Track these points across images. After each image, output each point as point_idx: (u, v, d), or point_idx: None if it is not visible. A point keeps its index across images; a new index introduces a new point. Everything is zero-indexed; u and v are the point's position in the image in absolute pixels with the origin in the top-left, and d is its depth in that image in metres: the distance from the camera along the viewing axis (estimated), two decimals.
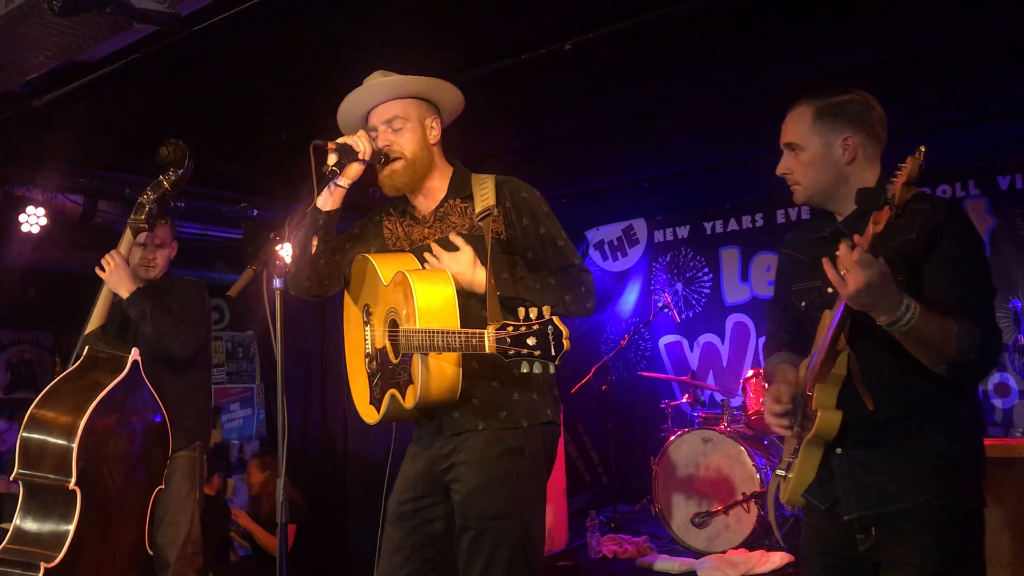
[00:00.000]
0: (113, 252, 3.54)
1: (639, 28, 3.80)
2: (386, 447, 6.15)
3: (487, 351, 2.03)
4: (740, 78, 4.72)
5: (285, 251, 2.47)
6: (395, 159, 2.58)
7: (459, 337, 2.14)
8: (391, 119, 2.60)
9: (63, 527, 3.03)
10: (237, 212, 5.78)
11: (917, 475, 2.06)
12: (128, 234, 3.52)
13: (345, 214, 2.55)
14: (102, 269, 3.54)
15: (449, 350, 2.21)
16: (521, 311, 2.03)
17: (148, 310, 3.56)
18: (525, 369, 2.01)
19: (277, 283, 2.26)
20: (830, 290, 2.09)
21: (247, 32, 3.73)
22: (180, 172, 3.39)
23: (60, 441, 3.06)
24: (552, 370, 2.02)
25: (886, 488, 2.08)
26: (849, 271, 1.88)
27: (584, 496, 7.36)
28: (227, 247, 6.10)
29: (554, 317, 2.00)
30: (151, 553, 3.42)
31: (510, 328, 1.98)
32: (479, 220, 2.51)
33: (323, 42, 3.92)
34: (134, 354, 3.32)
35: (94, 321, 3.51)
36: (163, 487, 3.47)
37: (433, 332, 2.23)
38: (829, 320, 2.10)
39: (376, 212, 2.84)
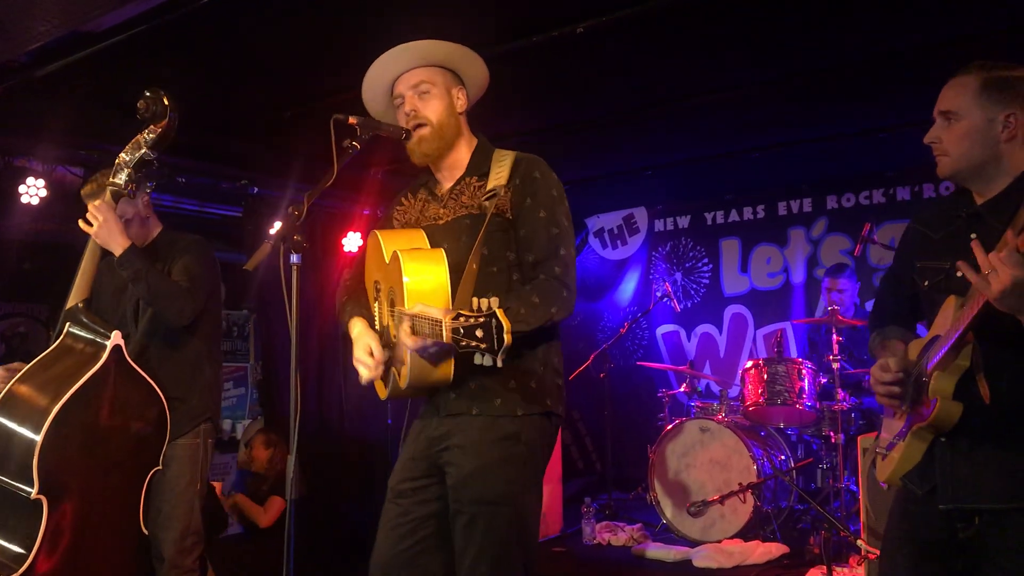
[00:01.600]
0: (100, 204, 3.13)
1: (647, 14, 3.79)
2: (382, 426, 6.19)
3: (444, 340, 1.99)
4: (746, 67, 4.70)
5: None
6: (422, 125, 2.55)
7: (426, 322, 2.10)
8: (418, 84, 2.57)
9: (27, 539, 2.81)
10: (237, 189, 5.73)
11: (1003, 475, 2.01)
12: (108, 198, 3.15)
13: (344, 194, 2.52)
14: (89, 224, 3.15)
15: (423, 334, 2.15)
16: (475, 301, 1.98)
17: (143, 269, 3.18)
18: (478, 361, 1.97)
19: (295, 258, 2.23)
20: (959, 274, 2.00)
21: (255, 6, 3.70)
22: (161, 129, 2.99)
23: (25, 441, 2.81)
24: (498, 364, 1.95)
25: (992, 484, 2.03)
26: (996, 270, 1.79)
27: (578, 483, 7.36)
28: (225, 224, 6.06)
29: (498, 310, 1.94)
30: (146, 533, 3.18)
31: (462, 319, 1.94)
32: (484, 200, 2.49)
33: (330, 20, 3.88)
34: (115, 338, 3.04)
35: (76, 293, 3.17)
36: (160, 468, 3.21)
37: (410, 315, 2.19)
38: (954, 307, 2.06)
39: (399, 193, 2.81)
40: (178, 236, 3.55)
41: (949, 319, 2.08)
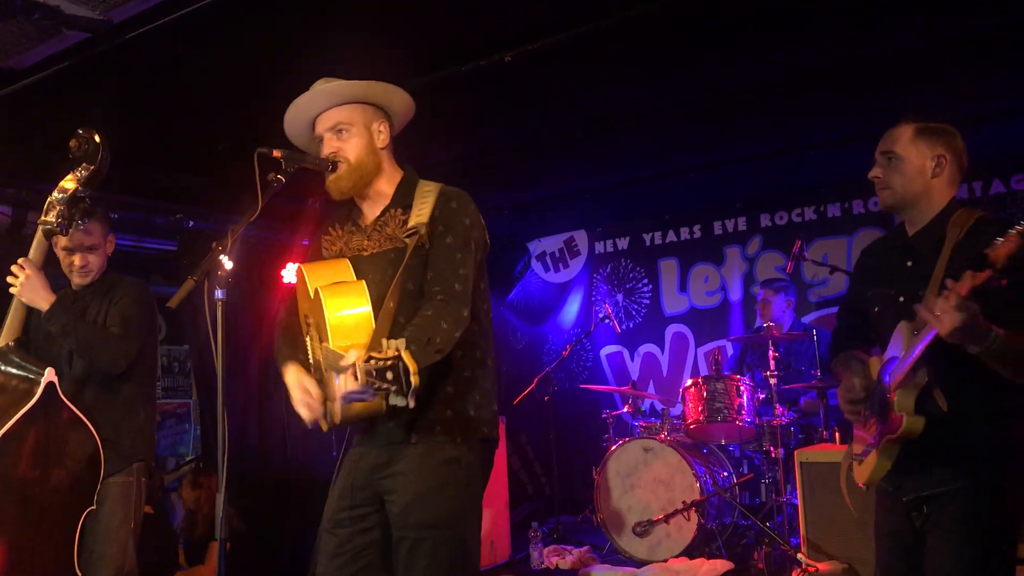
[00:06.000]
0: (23, 260, 3.13)
1: (577, 40, 3.84)
2: (327, 456, 6.12)
3: (359, 383, 2.00)
4: (675, 89, 4.79)
5: (226, 262, 2.42)
6: (339, 164, 2.56)
7: (339, 363, 2.12)
8: (335, 125, 2.59)
9: None
10: (172, 223, 5.68)
11: (960, 462, 2.37)
12: (40, 237, 3.13)
13: (282, 225, 2.52)
14: (14, 277, 3.14)
15: (343, 375, 2.15)
16: (384, 342, 2.02)
17: (71, 325, 3.19)
18: (392, 401, 2.00)
19: (219, 294, 2.22)
20: (901, 299, 2.49)
21: (183, 40, 3.68)
22: (93, 168, 3.01)
23: None
24: (410, 405, 1.98)
25: (936, 474, 2.39)
26: (945, 312, 2.14)
27: (527, 507, 7.36)
28: (163, 259, 5.98)
29: (404, 352, 1.97)
30: (80, 575, 3.11)
31: (372, 362, 1.97)
32: (405, 236, 2.52)
33: (261, 51, 3.88)
34: (48, 375, 3.01)
35: (7, 333, 3.14)
36: (94, 508, 3.17)
37: (330, 353, 2.21)
38: (907, 332, 2.41)
39: (326, 223, 2.82)
40: (119, 279, 3.55)
41: (903, 342, 2.42)
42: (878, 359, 2.57)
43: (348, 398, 2.19)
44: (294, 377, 2.52)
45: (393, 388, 1.95)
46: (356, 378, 2.00)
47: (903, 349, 2.41)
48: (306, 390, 2.46)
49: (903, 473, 2.47)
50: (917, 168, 2.52)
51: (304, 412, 2.46)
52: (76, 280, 3.48)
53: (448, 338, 2.35)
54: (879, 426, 2.49)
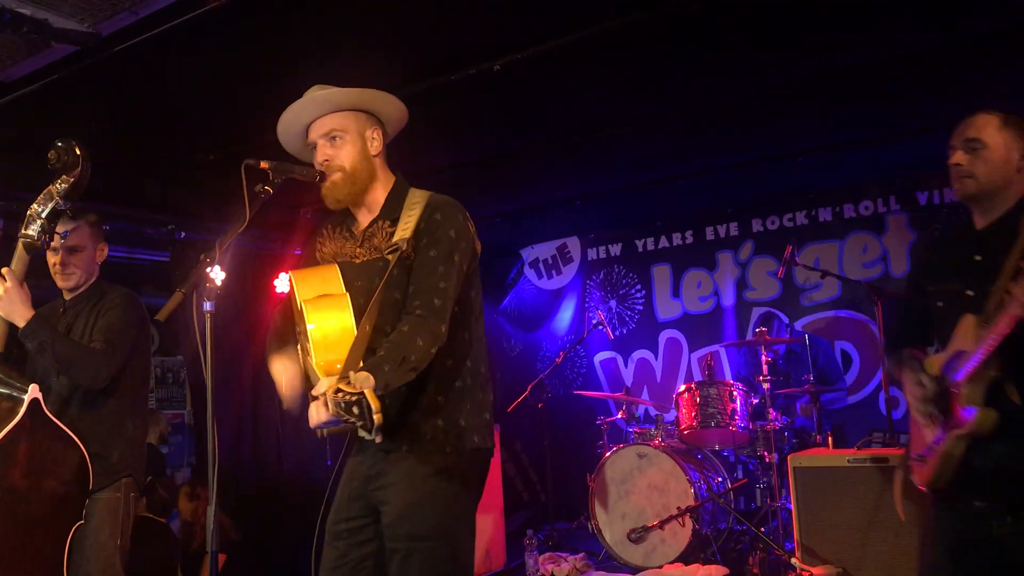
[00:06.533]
0: (5, 271, 3.06)
1: (568, 48, 3.86)
2: (322, 465, 6.11)
3: (329, 414, 2.03)
4: (666, 97, 4.81)
5: (215, 273, 2.43)
6: (334, 172, 2.56)
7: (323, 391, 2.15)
8: (329, 132, 2.59)
9: None
10: (164, 234, 5.67)
11: None
12: (20, 250, 3.04)
13: (275, 235, 2.53)
14: None
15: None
16: (352, 376, 2.04)
17: (49, 341, 3.12)
18: (360, 434, 2.02)
19: (208, 306, 2.21)
20: (969, 293, 2.40)
21: (172, 52, 3.69)
22: (74, 179, 2.94)
23: None
24: (376, 440, 2.00)
25: (1004, 481, 2.29)
26: None
27: (523, 515, 7.35)
28: (155, 270, 5.97)
29: (365, 390, 1.98)
30: None
31: (340, 394, 1.98)
32: (387, 253, 2.51)
33: (251, 62, 3.89)
34: (32, 391, 2.97)
35: None
36: (83, 523, 3.12)
37: (311, 370, 2.24)
38: (974, 324, 2.33)
39: (322, 224, 2.82)
40: (108, 289, 3.48)
41: (971, 335, 2.34)
42: (937, 356, 2.49)
43: (319, 427, 2.22)
44: (277, 367, 2.58)
45: (359, 423, 1.97)
46: (327, 408, 2.03)
47: (971, 343, 2.33)
48: (283, 373, 2.55)
49: (978, 476, 2.34)
50: (1003, 158, 2.44)
51: (284, 393, 2.55)
52: (59, 283, 3.41)
53: (423, 355, 2.34)
54: (943, 423, 2.41)
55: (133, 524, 3.42)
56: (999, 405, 2.27)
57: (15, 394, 3.00)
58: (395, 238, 2.52)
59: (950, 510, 2.43)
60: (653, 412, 6.74)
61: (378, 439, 1.99)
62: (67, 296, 3.47)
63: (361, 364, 2.18)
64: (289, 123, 2.63)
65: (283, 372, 2.56)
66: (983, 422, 2.27)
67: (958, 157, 2.49)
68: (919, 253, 2.81)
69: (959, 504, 2.40)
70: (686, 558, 5.31)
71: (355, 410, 1.96)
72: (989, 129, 2.46)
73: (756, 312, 6.72)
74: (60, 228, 3.21)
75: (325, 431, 2.37)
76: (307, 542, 2.69)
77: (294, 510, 6.19)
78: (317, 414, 2.13)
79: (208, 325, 2.19)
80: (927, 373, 2.48)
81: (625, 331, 7.68)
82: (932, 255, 2.68)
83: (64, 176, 2.96)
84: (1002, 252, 2.32)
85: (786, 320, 6.28)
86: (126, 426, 3.40)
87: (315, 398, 2.10)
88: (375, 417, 1.94)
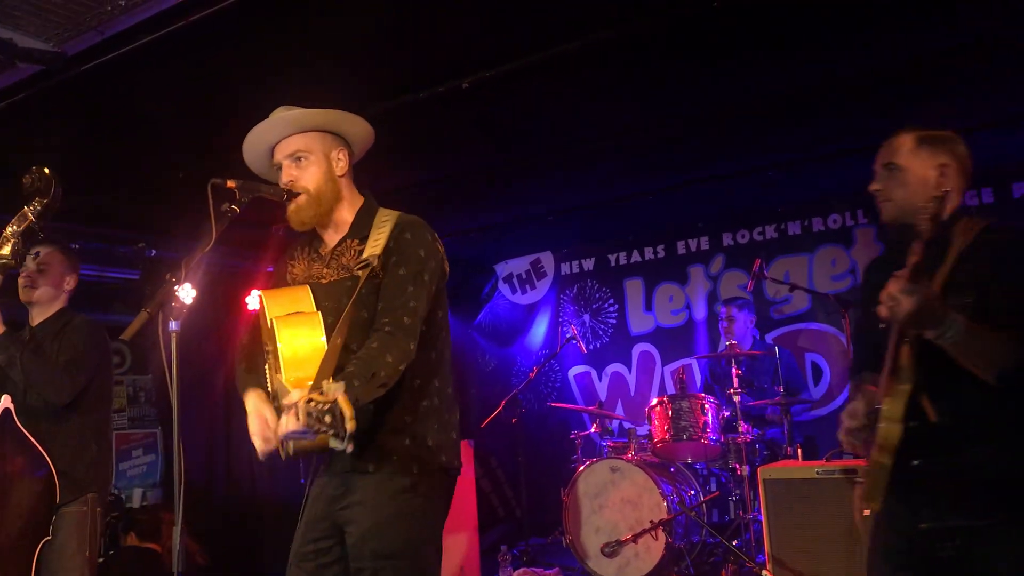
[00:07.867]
0: None
1: (536, 66, 3.89)
2: (295, 484, 6.08)
3: (300, 424, 2.00)
4: (635, 112, 4.86)
5: (182, 292, 2.42)
6: (298, 194, 2.57)
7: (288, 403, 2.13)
8: (293, 153, 2.59)
9: None
10: (134, 253, 5.66)
11: (976, 492, 2.21)
12: None
13: (245, 252, 2.54)
14: None
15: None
16: (324, 385, 2.02)
17: (16, 355, 3.28)
18: (331, 444, 1.99)
19: (173, 325, 2.21)
20: None
21: (139, 70, 3.69)
22: (46, 201, 3.04)
23: None
24: (348, 450, 1.98)
25: (972, 502, 2.22)
26: (897, 299, 2.13)
27: (499, 530, 7.33)
28: (125, 288, 5.96)
29: (339, 396, 1.97)
30: None
31: (312, 403, 1.98)
32: (357, 269, 2.52)
33: (218, 80, 3.89)
34: (4, 401, 3.11)
35: None
36: (50, 539, 3.22)
37: (280, 386, 2.23)
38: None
39: (291, 247, 2.82)
40: (72, 316, 3.64)
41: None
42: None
43: (288, 437, 2.21)
44: (253, 405, 2.52)
45: (331, 432, 1.96)
46: (298, 418, 2.00)
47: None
48: (264, 420, 2.46)
49: (918, 496, 2.29)
50: (920, 179, 2.39)
51: (258, 443, 2.46)
52: (23, 296, 3.55)
53: (393, 371, 2.35)
54: (871, 442, 2.35)
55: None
56: (919, 420, 2.22)
57: None
58: (365, 255, 2.53)
59: (900, 529, 2.37)
60: (627, 425, 6.76)
61: (349, 448, 1.98)
62: (34, 322, 3.60)
63: (331, 380, 2.19)
64: (254, 143, 2.64)
65: (255, 414, 2.50)
66: (883, 436, 2.24)
67: (875, 183, 2.50)
68: (865, 274, 2.76)
69: (908, 524, 2.34)
70: (660, 571, 5.32)
71: (327, 419, 1.95)
72: (903, 151, 2.45)
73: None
74: (33, 249, 3.39)
75: (292, 449, 2.36)
76: (279, 566, 2.68)
77: (268, 533, 6.16)
78: (287, 424, 2.11)
79: (174, 345, 2.18)
80: (869, 400, 2.41)
81: (599, 345, 7.71)
82: (875, 275, 2.62)
83: (38, 198, 3.05)
84: (933, 271, 2.29)
85: (756, 332, 6.33)
86: (90, 446, 3.53)
87: (286, 409, 2.09)
88: (348, 425, 1.94)
